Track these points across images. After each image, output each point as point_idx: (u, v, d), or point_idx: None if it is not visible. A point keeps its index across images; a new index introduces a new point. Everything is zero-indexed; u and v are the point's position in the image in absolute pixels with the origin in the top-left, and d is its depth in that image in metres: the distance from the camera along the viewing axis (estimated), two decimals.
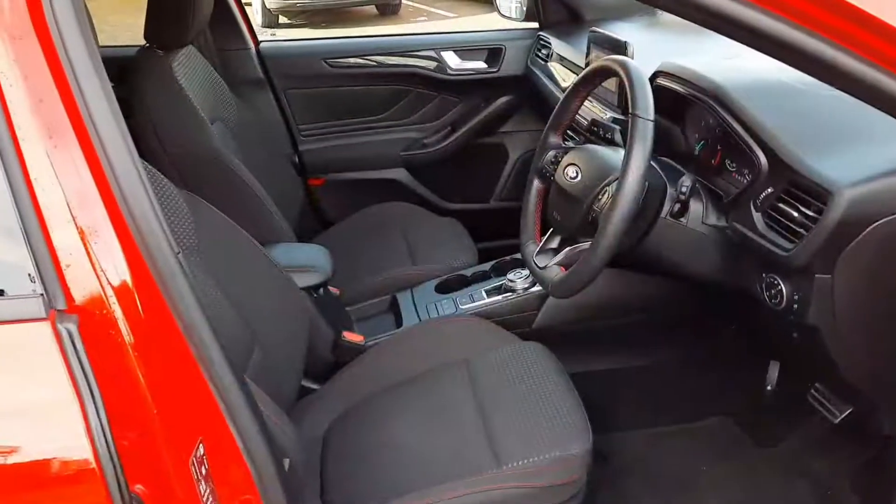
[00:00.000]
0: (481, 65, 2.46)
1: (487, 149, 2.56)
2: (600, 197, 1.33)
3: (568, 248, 1.40)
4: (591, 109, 1.73)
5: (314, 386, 1.71)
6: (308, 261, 1.74)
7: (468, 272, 1.97)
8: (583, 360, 1.85)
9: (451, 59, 2.45)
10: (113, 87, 0.87)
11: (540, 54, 2.35)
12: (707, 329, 1.89)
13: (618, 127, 1.54)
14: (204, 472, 0.97)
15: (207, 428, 0.99)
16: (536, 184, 1.55)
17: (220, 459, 1.00)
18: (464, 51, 2.45)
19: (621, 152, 1.39)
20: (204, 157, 1.82)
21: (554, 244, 1.48)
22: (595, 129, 1.60)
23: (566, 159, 1.43)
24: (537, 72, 2.32)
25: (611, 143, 1.60)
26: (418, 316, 1.84)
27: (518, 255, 1.96)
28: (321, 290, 1.76)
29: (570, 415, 1.37)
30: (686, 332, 1.89)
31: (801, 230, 1.16)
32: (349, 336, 1.73)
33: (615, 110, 1.66)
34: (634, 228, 1.31)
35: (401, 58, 2.45)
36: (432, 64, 2.44)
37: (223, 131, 1.98)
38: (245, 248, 1.53)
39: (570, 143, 1.58)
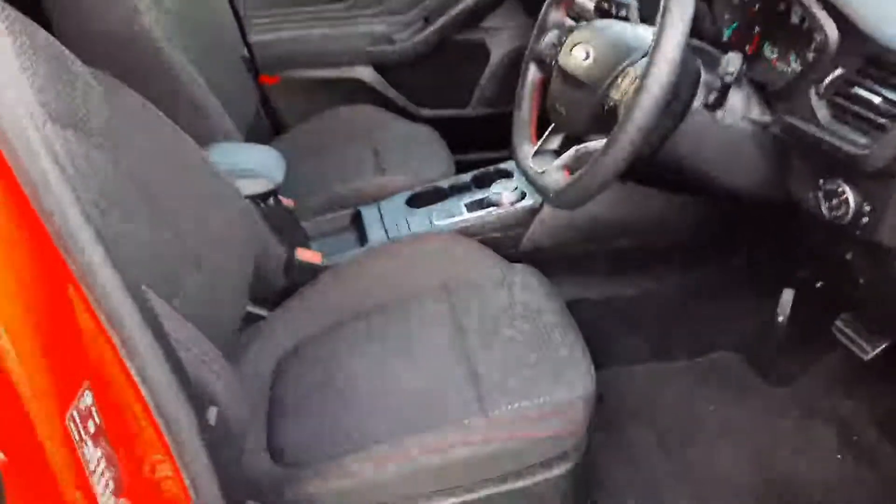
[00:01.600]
0: None
1: (466, 46, 2.24)
2: (619, 81, 1.05)
3: (573, 149, 1.13)
4: None
5: (262, 313, 1.44)
6: (254, 164, 1.45)
7: (445, 183, 1.70)
8: (576, 286, 1.61)
9: None
10: None
11: None
12: (716, 253, 1.65)
13: (634, 3, 1.25)
14: (92, 428, 0.71)
15: (95, 368, 0.72)
16: (533, 72, 1.27)
17: (115, 411, 0.74)
18: None
19: (642, 29, 1.12)
20: (131, 39, 1.49)
21: (554, 144, 1.21)
22: (605, 5, 1.31)
23: (573, 38, 1.15)
24: None
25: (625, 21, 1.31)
26: (386, 233, 1.57)
27: (503, 166, 1.70)
28: (270, 200, 1.48)
29: (569, 351, 1.14)
30: (693, 255, 1.66)
31: (884, 121, 0.90)
32: (304, 254, 1.46)
33: None
34: (658, 125, 1.04)
35: None
36: None
37: (157, 14, 1.64)
38: (175, 146, 1.24)
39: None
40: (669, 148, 1.13)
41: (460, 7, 2.17)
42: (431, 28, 2.18)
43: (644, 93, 0.94)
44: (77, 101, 1.04)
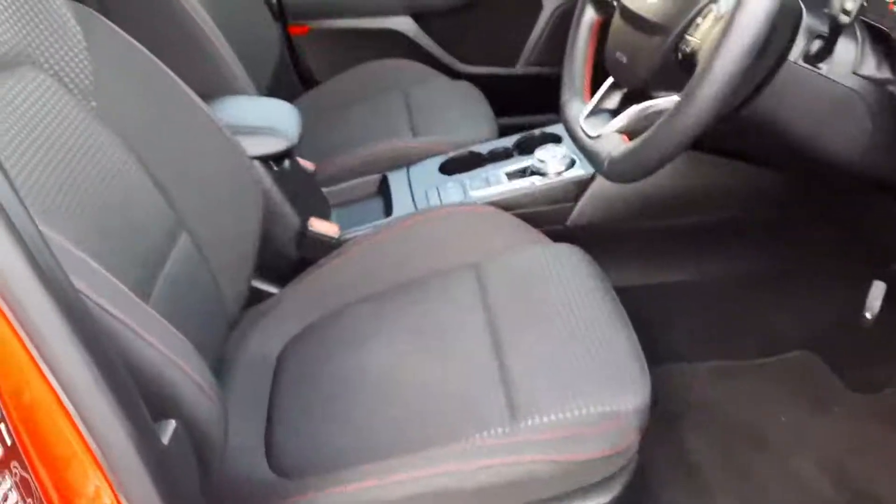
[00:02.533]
0: None
1: None
2: (699, 21, 0.84)
3: (636, 107, 0.92)
4: None
5: (271, 289, 1.28)
6: (265, 120, 1.27)
7: (483, 148, 1.50)
8: (628, 269, 1.40)
9: None
10: None
11: None
12: (796, 235, 1.43)
13: None
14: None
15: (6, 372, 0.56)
16: (590, 14, 1.06)
17: (31, 426, 0.58)
18: None
19: None
20: None
21: (612, 102, 1.00)
22: None
23: None
24: None
25: None
26: (414, 202, 1.39)
27: (550, 129, 1.49)
28: (285, 163, 1.30)
29: (619, 349, 0.94)
30: (767, 237, 1.43)
31: None
32: (317, 225, 1.29)
33: None
34: (745, 78, 0.82)
35: None
36: None
37: None
38: (170, 96, 1.08)
39: None
40: (755, 107, 0.91)
41: None
42: None
43: (731, 35, 0.73)
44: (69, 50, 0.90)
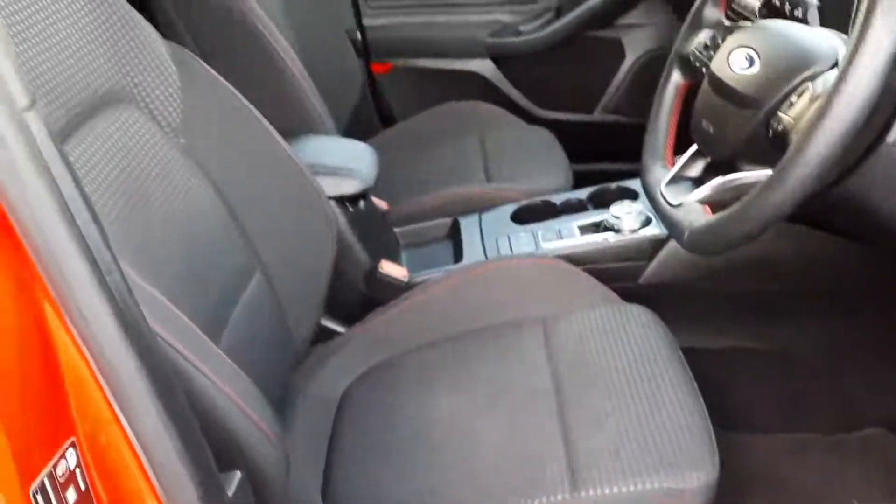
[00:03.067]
0: None
1: (599, 44, 2.01)
2: (793, 99, 0.82)
3: (721, 179, 0.90)
4: None
5: (339, 328, 1.30)
6: (344, 161, 1.29)
7: (557, 199, 1.49)
8: (701, 331, 1.36)
9: None
10: None
11: None
12: (878, 307, 1.37)
13: (815, 1, 1.00)
14: (72, 498, 0.56)
15: (85, 419, 0.58)
16: (677, 77, 1.04)
17: (104, 468, 0.59)
18: None
19: (826, 34, 0.88)
20: (225, 10, 1.37)
21: (695, 171, 0.98)
22: (776, 2, 1.06)
23: (733, 41, 0.91)
24: None
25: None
26: (484, 250, 1.39)
27: (627, 184, 1.47)
28: (360, 203, 1.32)
29: (688, 424, 0.91)
30: (848, 307, 1.37)
31: None
32: (387, 267, 1.30)
33: None
34: (839, 159, 0.79)
35: None
36: None
37: None
38: (254, 134, 1.11)
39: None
40: (847, 186, 0.88)
41: (596, 1, 1.94)
42: (562, 21, 1.96)
43: (828, 119, 0.71)
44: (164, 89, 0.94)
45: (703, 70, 0.97)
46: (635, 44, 2.01)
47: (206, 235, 0.93)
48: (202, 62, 1.05)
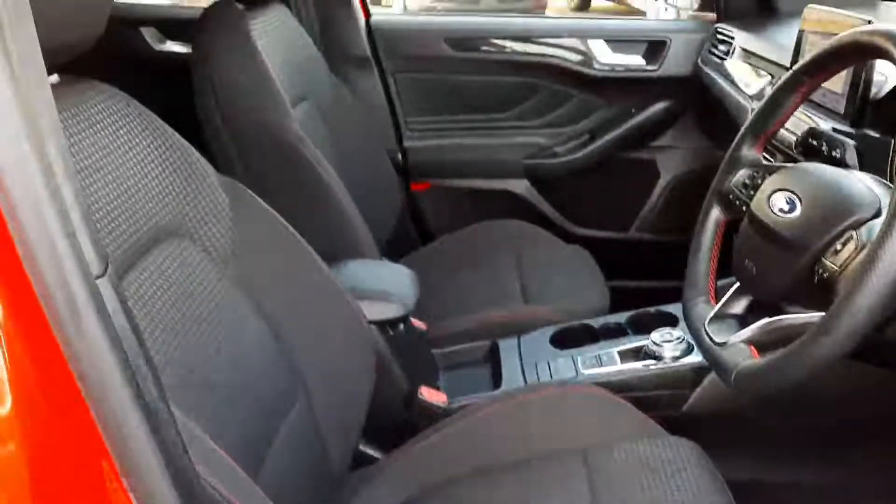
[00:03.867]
0: (638, 60, 1.97)
1: (634, 165, 2.05)
2: (837, 246, 0.82)
3: (766, 321, 0.90)
4: (802, 118, 1.20)
5: (375, 454, 1.28)
6: (385, 285, 1.31)
7: (596, 322, 1.48)
8: (747, 464, 1.32)
9: (601, 52, 1.97)
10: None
11: (716, 50, 1.83)
12: None
13: (852, 142, 1.02)
14: None
15: None
16: (717, 214, 1.05)
17: None
18: (617, 42, 1.97)
19: (868, 179, 0.89)
20: (275, 141, 1.43)
21: (738, 308, 0.98)
22: (813, 142, 1.08)
23: (773, 182, 0.93)
24: (710, 72, 1.80)
25: (837, 165, 1.07)
26: (524, 375, 1.38)
27: (667, 308, 1.47)
28: (400, 326, 1.33)
29: None
30: None
31: None
32: (427, 394, 1.29)
33: (841, 121, 1.13)
34: (889, 307, 0.79)
35: (537, 45, 2.00)
36: (575, 55, 1.98)
37: (311, 113, 1.60)
38: (299, 262, 1.13)
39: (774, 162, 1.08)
40: None
41: (629, 124, 2.00)
42: (597, 143, 2.02)
43: (877, 271, 0.71)
44: (217, 222, 0.97)
45: (743, 208, 0.98)
46: (669, 164, 2.05)
47: (251, 364, 0.94)
48: (252, 193, 1.08)
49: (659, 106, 1.99)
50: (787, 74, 0.99)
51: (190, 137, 0.99)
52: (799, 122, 1.19)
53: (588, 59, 1.97)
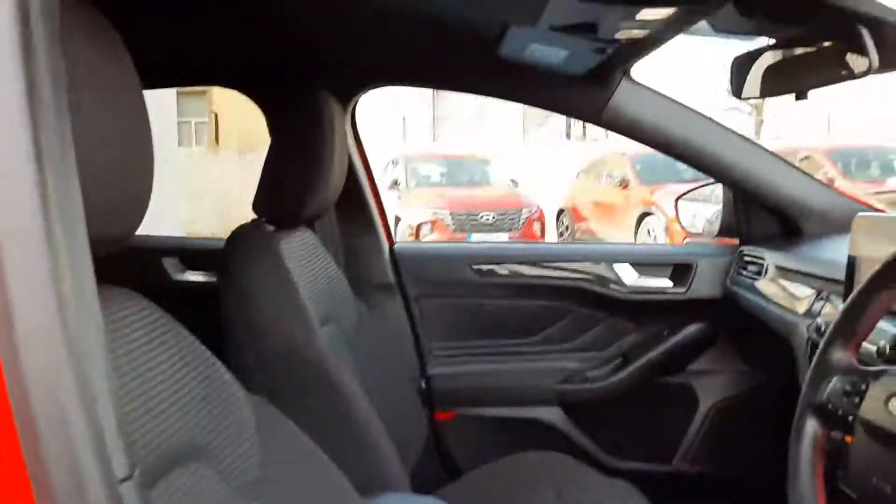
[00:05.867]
0: (665, 283, 1.94)
1: (671, 391, 1.94)
2: None
3: None
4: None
5: None
6: None
7: None
8: None
9: (627, 275, 1.95)
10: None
11: (746, 272, 1.81)
12: None
13: None
14: None
15: None
16: (813, 427, 0.94)
17: None
18: (643, 265, 1.95)
19: None
20: (303, 362, 1.34)
21: None
22: None
23: (886, 386, 0.83)
24: (743, 293, 1.77)
25: None
26: None
27: None
28: None
29: None
30: None
31: None
32: None
33: None
34: None
35: (563, 270, 1.98)
36: (602, 279, 1.95)
37: (335, 337, 1.53)
38: (330, 493, 0.99)
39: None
40: None
41: (664, 347, 1.92)
42: (631, 367, 1.92)
43: None
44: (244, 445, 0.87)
45: (849, 419, 0.87)
46: (708, 390, 1.94)
47: None
48: (280, 414, 0.98)
49: (692, 328, 1.93)
50: (873, 272, 0.93)
51: None
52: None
53: (615, 282, 1.94)
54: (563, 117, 13.61)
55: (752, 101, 12.77)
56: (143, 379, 0.75)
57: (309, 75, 1.68)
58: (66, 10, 0.55)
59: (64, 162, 0.49)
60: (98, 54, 0.65)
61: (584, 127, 14.22)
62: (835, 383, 0.93)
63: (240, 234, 1.43)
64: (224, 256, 1.40)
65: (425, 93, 14.94)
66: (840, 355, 0.95)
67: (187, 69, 1.85)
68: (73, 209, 0.49)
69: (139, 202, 0.73)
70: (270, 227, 1.48)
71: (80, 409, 0.45)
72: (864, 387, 0.88)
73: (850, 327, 0.95)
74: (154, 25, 1.40)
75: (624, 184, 8.70)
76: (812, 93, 1.21)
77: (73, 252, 0.48)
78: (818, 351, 0.98)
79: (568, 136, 14.22)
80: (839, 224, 1.73)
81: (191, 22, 1.59)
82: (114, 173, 0.66)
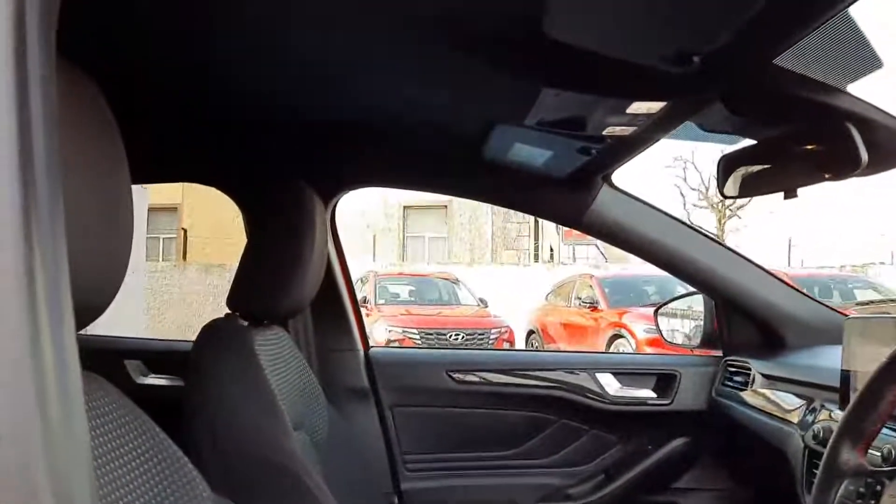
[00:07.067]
0: (648, 393, 1.89)
1: None
2: None
3: None
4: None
5: None
6: None
7: None
8: None
9: (609, 384, 1.89)
10: None
11: (731, 382, 1.77)
12: None
13: None
14: None
15: None
16: None
17: None
18: (625, 374, 1.90)
19: None
20: (272, 464, 1.24)
21: None
22: None
23: None
24: (731, 404, 1.72)
25: None
26: None
27: None
28: None
29: None
30: None
31: None
32: None
33: None
34: None
35: (544, 379, 1.91)
36: (584, 388, 1.89)
37: (305, 445, 1.43)
38: None
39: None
40: None
41: (648, 463, 1.84)
42: (614, 485, 1.83)
43: None
44: None
45: None
46: None
47: None
48: None
49: (677, 443, 1.86)
50: (878, 369, 0.90)
51: None
52: None
53: (597, 391, 1.88)
54: (532, 240, 13.85)
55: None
56: (109, 468, 0.68)
57: (290, 171, 1.67)
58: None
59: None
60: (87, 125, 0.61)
61: (551, 250, 14.49)
62: (846, 486, 0.88)
63: (212, 327, 1.36)
64: (194, 350, 1.32)
65: (396, 213, 15.18)
66: (849, 457, 0.90)
67: (164, 166, 1.82)
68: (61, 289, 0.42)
69: (118, 271, 0.68)
70: (244, 322, 1.42)
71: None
72: (878, 488, 0.82)
73: (858, 427, 0.90)
74: (133, 122, 1.38)
75: (593, 306, 8.75)
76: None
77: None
78: (825, 455, 0.93)
79: (536, 258, 14.46)
80: (822, 333, 1.71)
81: (167, 119, 1.58)
82: (95, 238, 0.61)
